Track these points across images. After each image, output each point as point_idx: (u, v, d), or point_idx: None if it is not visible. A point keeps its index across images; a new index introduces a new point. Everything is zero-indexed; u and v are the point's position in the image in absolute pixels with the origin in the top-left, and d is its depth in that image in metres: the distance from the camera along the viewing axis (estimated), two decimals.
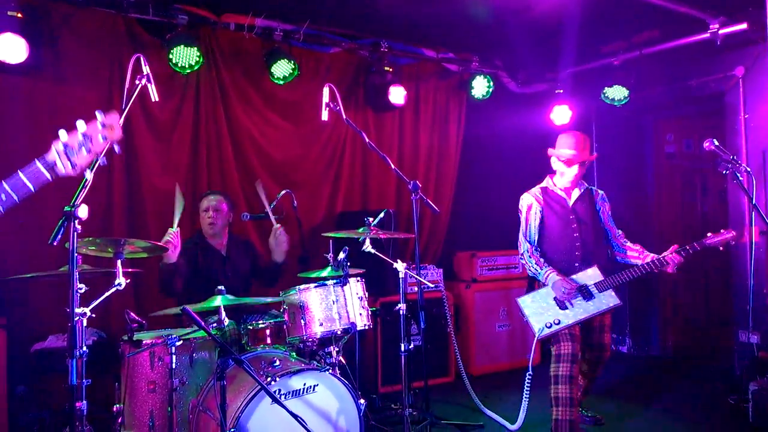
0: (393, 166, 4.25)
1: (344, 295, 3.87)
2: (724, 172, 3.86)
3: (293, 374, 3.38)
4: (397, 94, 5.86)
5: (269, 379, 3.26)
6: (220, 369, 2.96)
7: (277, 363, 3.47)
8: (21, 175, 2.26)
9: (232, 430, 3.07)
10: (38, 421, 4.15)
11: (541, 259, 4.17)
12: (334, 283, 3.86)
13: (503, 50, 6.48)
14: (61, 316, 2.74)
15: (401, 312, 3.99)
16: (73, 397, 2.59)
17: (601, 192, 4.45)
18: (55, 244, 2.44)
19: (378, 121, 6.31)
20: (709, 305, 6.62)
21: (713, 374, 6.01)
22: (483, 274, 6.24)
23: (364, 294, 4.05)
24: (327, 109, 4.15)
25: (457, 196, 6.85)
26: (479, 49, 6.46)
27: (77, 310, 2.64)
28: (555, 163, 4.29)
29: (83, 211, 2.51)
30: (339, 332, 3.83)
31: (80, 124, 2.33)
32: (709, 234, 3.98)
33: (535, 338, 4.07)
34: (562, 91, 6.66)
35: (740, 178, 3.92)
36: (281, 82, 5.38)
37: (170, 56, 4.80)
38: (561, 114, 6.60)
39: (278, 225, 4.56)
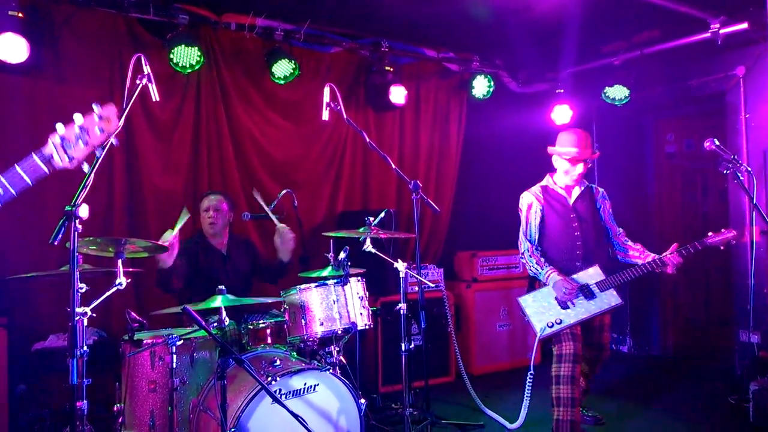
0: (394, 166, 4.25)
1: (345, 295, 3.87)
2: (724, 171, 3.86)
3: (294, 374, 3.39)
4: (397, 94, 5.86)
5: (270, 378, 3.26)
6: (221, 368, 2.96)
7: (278, 362, 3.47)
8: (18, 168, 2.26)
9: (233, 429, 3.08)
10: (38, 420, 4.15)
11: (542, 259, 4.16)
12: (335, 283, 3.86)
13: (504, 50, 6.48)
14: (62, 316, 2.74)
15: (402, 312, 3.99)
16: (73, 396, 2.59)
17: (601, 190, 4.43)
18: (55, 243, 2.44)
19: (379, 120, 6.31)
20: (709, 305, 6.62)
21: (714, 374, 6.01)
22: (483, 273, 6.24)
23: (365, 293, 4.04)
24: (328, 108, 4.15)
25: (458, 195, 6.85)
26: (480, 49, 6.45)
27: (78, 310, 2.64)
28: (557, 161, 4.26)
29: (84, 211, 2.51)
30: (339, 332, 3.83)
31: (77, 117, 2.33)
32: (710, 233, 3.97)
33: (537, 338, 4.05)
34: (562, 90, 6.66)
35: (741, 178, 3.92)
36: (282, 82, 5.38)
37: (171, 56, 4.80)
38: (562, 114, 6.60)
39: (284, 225, 4.56)
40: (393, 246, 5.14)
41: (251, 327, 3.89)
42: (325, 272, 4.10)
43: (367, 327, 3.99)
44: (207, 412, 3.34)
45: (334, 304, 3.81)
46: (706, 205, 6.67)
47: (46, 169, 2.28)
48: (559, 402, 3.94)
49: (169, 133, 5.18)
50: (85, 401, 2.76)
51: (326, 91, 4.15)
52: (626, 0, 5.01)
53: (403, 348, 3.95)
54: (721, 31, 5.29)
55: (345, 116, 4.24)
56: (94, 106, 2.38)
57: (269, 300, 3.89)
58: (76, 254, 2.57)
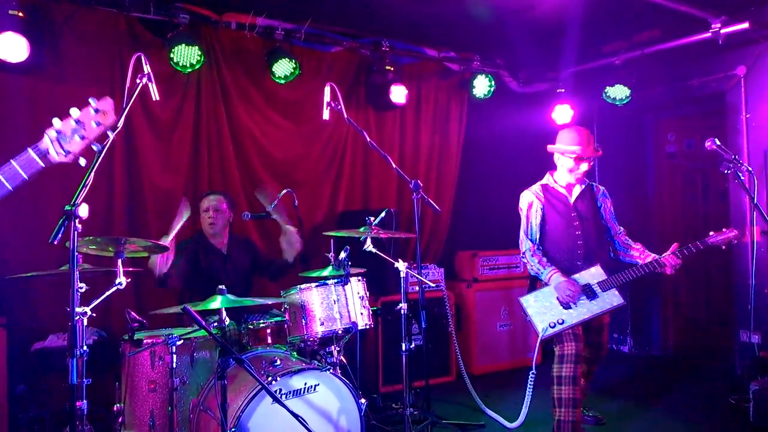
0: (394, 166, 4.25)
1: (345, 295, 3.87)
2: (725, 171, 3.85)
3: (294, 374, 3.38)
4: (398, 94, 5.86)
5: (270, 378, 3.26)
6: (221, 368, 2.96)
7: (278, 362, 3.47)
8: (14, 163, 2.25)
9: (233, 429, 3.07)
10: (38, 420, 4.15)
11: (544, 259, 4.12)
12: (335, 283, 3.86)
13: (505, 49, 6.47)
14: (62, 316, 2.74)
15: (402, 311, 3.98)
16: (73, 396, 2.58)
17: (602, 188, 4.39)
18: (55, 243, 2.43)
19: (379, 120, 6.31)
20: (710, 305, 6.61)
21: (714, 374, 6.01)
22: (484, 273, 6.24)
23: (365, 293, 4.05)
24: (328, 108, 4.14)
25: (459, 195, 6.85)
26: (481, 49, 6.45)
27: (78, 309, 2.63)
28: (561, 160, 4.20)
29: (84, 210, 2.50)
30: (340, 332, 3.83)
31: (73, 111, 2.33)
32: (711, 233, 3.96)
33: (539, 339, 4.01)
34: (563, 90, 6.66)
35: (742, 178, 3.91)
36: (282, 82, 5.37)
37: (171, 55, 4.79)
38: (562, 113, 6.59)
39: (292, 227, 4.55)
40: (393, 246, 5.14)
41: (251, 327, 3.89)
42: (326, 272, 4.10)
43: (367, 327, 4.00)
44: (207, 412, 3.34)
45: (335, 304, 3.81)
46: (706, 205, 6.66)
47: (41, 164, 2.28)
48: (560, 403, 3.93)
49: (169, 133, 5.18)
50: (84, 401, 2.75)
51: (327, 90, 4.13)
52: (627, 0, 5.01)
53: (403, 348, 3.94)
54: (722, 31, 5.29)
55: (345, 116, 4.24)
56: (91, 100, 2.37)
57: (269, 301, 3.87)
58: (76, 254, 2.56)
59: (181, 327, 3.90)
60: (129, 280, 3.09)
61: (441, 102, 6.70)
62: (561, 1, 5.07)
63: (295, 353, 3.80)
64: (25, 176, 2.26)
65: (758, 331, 5.57)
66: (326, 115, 4.16)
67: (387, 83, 5.83)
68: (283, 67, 5.29)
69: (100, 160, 2.62)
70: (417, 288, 4.43)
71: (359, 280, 4.03)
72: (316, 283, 3.86)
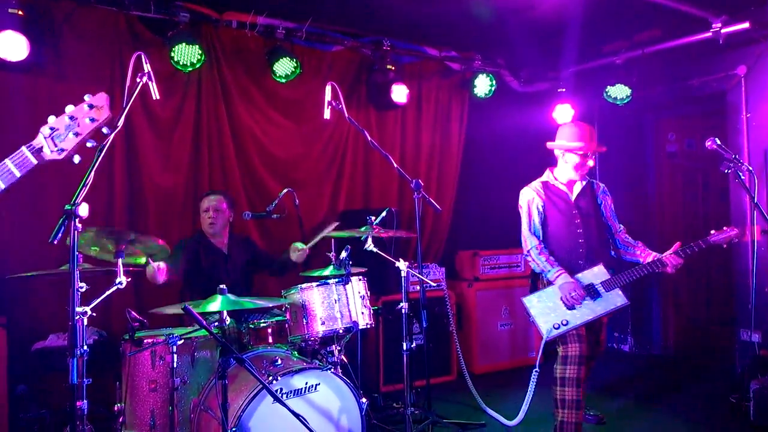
0: (395, 165, 4.24)
1: (346, 294, 3.87)
2: (726, 171, 3.85)
3: (295, 373, 3.38)
4: (399, 93, 5.85)
5: (271, 378, 3.26)
6: (222, 368, 2.95)
7: (279, 362, 3.46)
8: (7, 162, 2.25)
9: (234, 429, 3.07)
10: (39, 420, 4.14)
11: (552, 257, 4.03)
12: (336, 282, 3.86)
13: (505, 49, 6.47)
14: (62, 315, 2.73)
15: (403, 311, 3.98)
16: (73, 396, 2.58)
17: (602, 185, 4.34)
18: (55, 242, 2.43)
19: (380, 119, 6.31)
20: (710, 304, 6.61)
21: (714, 373, 6.01)
22: (485, 273, 6.24)
23: (366, 293, 4.05)
24: (329, 107, 4.14)
25: (459, 194, 6.85)
26: (482, 48, 6.44)
27: (78, 309, 2.62)
28: (566, 156, 4.13)
29: (84, 210, 2.50)
30: (341, 331, 3.83)
31: (68, 107, 2.32)
32: (712, 231, 3.93)
33: (543, 340, 3.97)
34: (564, 89, 6.65)
35: (742, 177, 3.91)
36: (283, 81, 5.36)
37: (172, 54, 4.79)
38: (563, 113, 6.59)
39: (306, 248, 4.48)
40: (394, 245, 5.13)
41: (252, 326, 3.89)
42: (327, 271, 4.11)
43: (368, 326, 4.00)
44: (208, 412, 3.33)
45: (336, 304, 3.81)
46: (707, 204, 6.66)
47: (34, 161, 2.27)
48: (564, 404, 3.89)
49: (169, 132, 5.17)
50: (85, 401, 2.74)
51: (328, 89, 4.13)
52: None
53: (404, 347, 3.94)
54: (723, 31, 5.28)
55: (346, 115, 4.23)
56: (86, 96, 2.37)
57: (270, 304, 3.84)
58: (76, 253, 2.56)
59: (181, 326, 3.89)
60: (129, 279, 3.08)
61: (442, 101, 6.69)
62: (562, 1, 5.07)
63: (296, 353, 3.79)
64: (18, 175, 2.26)
65: (759, 330, 5.57)
66: (327, 114, 4.15)
67: (388, 82, 5.82)
68: (283, 66, 5.28)
69: (100, 159, 2.61)
70: (418, 287, 4.43)
71: (360, 280, 4.03)
72: (317, 283, 3.85)
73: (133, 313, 3.44)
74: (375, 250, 4.05)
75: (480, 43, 6.32)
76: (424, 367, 4.64)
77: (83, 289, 2.66)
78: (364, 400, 3.60)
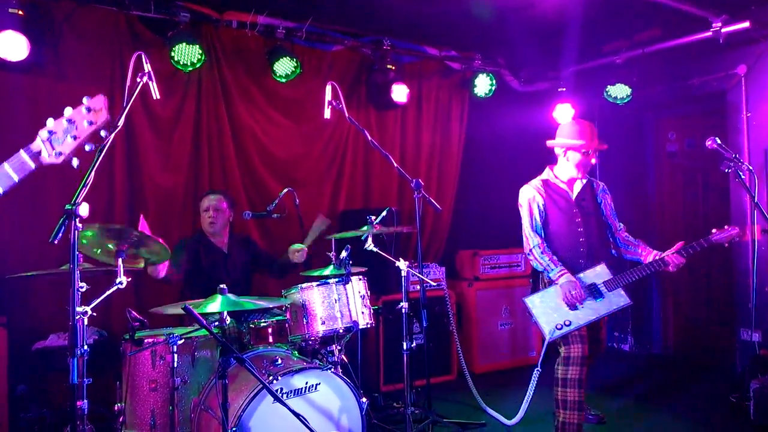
0: (396, 165, 4.24)
1: (346, 294, 3.87)
2: (726, 170, 3.84)
3: (295, 373, 3.38)
4: (399, 92, 5.85)
5: (271, 377, 3.26)
6: (222, 368, 2.95)
7: (279, 362, 3.46)
8: (6, 165, 2.24)
9: (234, 428, 3.07)
10: (39, 420, 4.14)
11: (555, 257, 3.99)
12: (337, 282, 3.86)
13: (506, 48, 6.47)
14: (62, 315, 2.73)
15: (403, 310, 3.97)
16: (74, 396, 2.57)
17: (601, 184, 4.32)
18: (56, 242, 2.43)
19: (380, 119, 6.31)
20: (710, 304, 6.61)
21: (714, 372, 6.01)
22: (485, 272, 6.24)
23: (367, 292, 4.05)
24: (329, 107, 4.13)
25: (460, 194, 6.85)
26: (482, 48, 6.44)
27: (78, 309, 2.62)
28: (568, 154, 4.11)
29: (84, 210, 2.49)
30: (341, 331, 3.83)
31: (66, 110, 2.32)
32: (714, 230, 3.92)
33: (546, 341, 3.94)
34: (564, 89, 6.64)
35: (742, 177, 3.90)
36: (283, 80, 5.36)
37: (172, 54, 4.79)
38: (563, 112, 6.58)
39: (304, 247, 4.52)
40: (395, 245, 5.13)
41: (252, 326, 3.88)
42: (327, 271, 4.11)
43: (368, 326, 4.00)
44: (208, 411, 3.33)
45: (336, 303, 3.81)
46: (707, 204, 6.65)
47: (33, 165, 2.27)
48: (566, 405, 3.88)
49: (169, 132, 5.17)
50: (85, 401, 2.74)
51: (328, 89, 4.13)
52: None
53: (404, 347, 3.94)
54: (723, 30, 5.28)
55: (347, 114, 4.22)
56: (84, 99, 2.36)
57: (270, 304, 3.84)
58: (77, 253, 2.56)
59: (181, 326, 3.89)
60: (129, 279, 3.08)
61: (442, 101, 6.69)
62: (562, 0, 5.07)
63: (296, 352, 3.79)
64: (15, 178, 2.25)
65: (759, 330, 5.58)
66: (327, 114, 4.15)
67: (388, 82, 5.82)
68: (284, 66, 5.28)
69: (100, 159, 2.61)
70: (418, 287, 4.43)
71: (360, 279, 4.03)
72: (318, 282, 3.85)
73: (133, 312, 3.43)
74: (375, 249, 4.05)
75: (480, 42, 6.31)
76: (424, 366, 4.64)
77: (83, 289, 2.66)
78: (364, 399, 3.60)
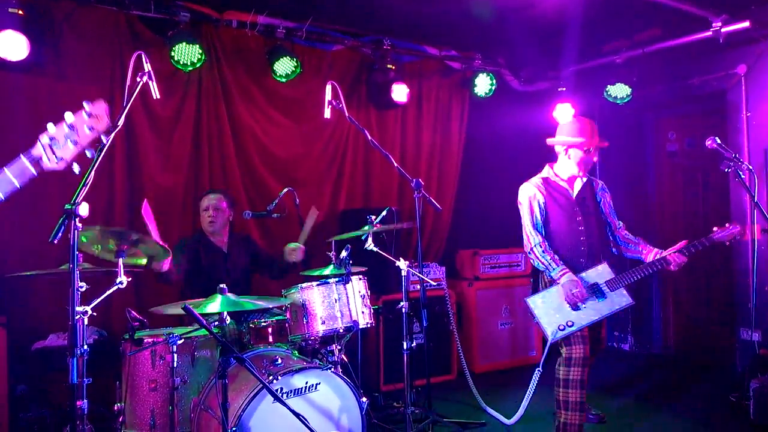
0: (396, 164, 4.23)
1: (346, 294, 3.86)
2: (726, 170, 3.84)
3: (295, 372, 3.38)
4: (399, 92, 5.85)
5: (271, 377, 3.25)
6: (222, 367, 2.95)
7: (279, 361, 3.46)
8: (6, 171, 2.24)
9: (234, 428, 3.06)
10: (39, 420, 4.14)
11: (556, 256, 3.95)
12: (337, 282, 3.86)
13: (506, 48, 6.47)
14: (62, 315, 2.73)
15: (403, 310, 3.97)
16: (73, 395, 2.57)
17: (600, 182, 4.30)
18: (55, 242, 2.43)
19: (380, 118, 6.30)
20: (710, 303, 6.61)
21: (714, 372, 6.01)
22: (485, 272, 6.24)
23: (367, 292, 4.04)
24: (329, 106, 4.13)
25: (460, 194, 6.85)
26: (482, 47, 6.44)
27: (78, 309, 2.62)
28: (569, 152, 4.08)
29: (84, 209, 2.49)
30: (341, 330, 3.82)
31: (67, 116, 2.31)
32: (715, 228, 3.91)
33: (549, 342, 3.92)
34: (564, 89, 6.64)
35: (742, 176, 3.90)
36: (284, 80, 5.36)
37: (172, 53, 4.79)
38: (563, 112, 6.57)
39: (300, 245, 4.53)
40: (395, 244, 5.13)
41: (252, 326, 3.88)
42: (327, 271, 4.11)
43: (368, 325, 3.99)
44: (208, 411, 3.33)
45: (336, 303, 3.81)
46: (707, 203, 6.65)
47: (33, 171, 2.26)
48: (567, 406, 3.87)
49: (170, 131, 5.17)
50: (85, 400, 2.74)
51: (328, 88, 4.13)
52: None
53: (404, 346, 3.94)
54: (723, 30, 5.28)
55: (347, 114, 4.22)
56: (84, 104, 2.36)
57: (270, 304, 3.83)
58: (77, 253, 2.56)
59: (181, 326, 3.89)
60: (129, 279, 3.08)
61: (442, 100, 6.69)
62: (562, 0, 5.06)
63: (296, 352, 3.78)
64: (17, 184, 2.25)
65: (759, 329, 5.58)
66: (327, 113, 4.15)
67: (388, 82, 5.82)
68: (284, 66, 5.28)
69: (100, 158, 2.61)
70: (418, 286, 4.43)
71: (360, 279, 4.03)
72: (318, 282, 3.85)
73: (133, 312, 3.43)
74: (375, 249, 4.05)
75: (480, 42, 6.31)
76: (424, 366, 4.64)
77: (83, 289, 2.66)
78: (364, 399, 3.59)
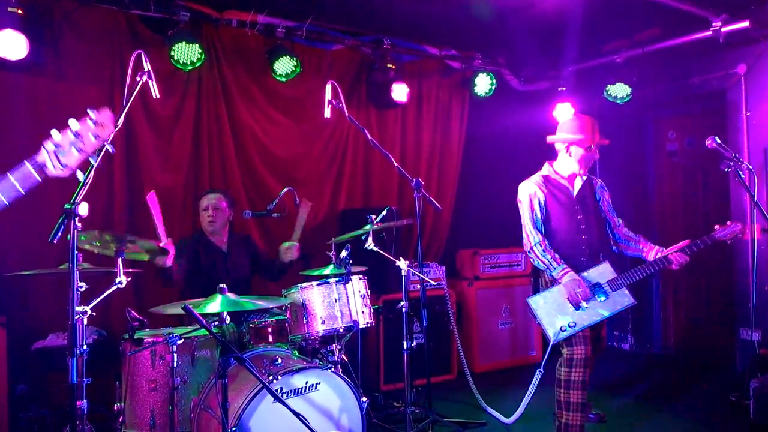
0: (396, 164, 4.22)
1: (346, 293, 3.86)
2: (726, 169, 3.82)
3: (295, 372, 3.38)
4: (399, 92, 5.84)
5: (271, 377, 3.25)
6: (222, 367, 2.94)
7: (279, 361, 3.46)
8: (11, 177, 2.23)
9: (234, 428, 3.06)
10: (39, 420, 4.14)
11: (557, 255, 3.91)
12: (337, 281, 3.86)
13: (506, 48, 6.46)
14: (62, 315, 2.73)
15: (404, 310, 3.96)
16: (73, 395, 2.57)
17: (599, 180, 4.28)
18: (55, 242, 2.42)
19: (380, 118, 6.30)
20: (710, 303, 6.61)
21: (715, 371, 6.01)
22: (485, 271, 6.23)
23: (367, 292, 4.04)
24: (329, 106, 4.12)
25: (460, 193, 6.84)
26: (482, 47, 6.44)
27: (78, 309, 2.62)
28: (570, 149, 4.05)
29: (83, 209, 2.49)
30: (341, 330, 3.82)
31: (72, 123, 2.30)
32: (716, 227, 3.89)
33: (551, 343, 3.88)
34: (564, 88, 6.64)
35: (742, 176, 3.89)
36: (283, 79, 5.36)
37: (172, 53, 4.79)
38: (563, 111, 6.57)
39: (296, 243, 4.54)
40: (395, 244, 5.12)
41: (252, 325, 3.88)
42: (327, 270, 4.11)
43: (368, 325, 3.99)
44: (208, 411, 3.33)
45: (336, 303, 3.81)
46: (706, 203, 6.65)
47: (38, 177, 2.26)
48: (569, 407, 3.85)
49: (169, 131, 5.17)
50: (85, 400, 2.74)
51: (328, 88, 4.12)
52: None
53: (405, 346, 3.93)
54: (723, 30, 5.27)
55: (347, 114, 4.21)
56: (89, 111, 2.35)
57: (270, 304, 3.83)
58: (76, 252, 2.55)
59: (181, 326, 3.89)
60: (129, 279, 3.07)
61: (442, 100, 6.69)
62: (562, 0, 5.06)
63: (296, 352, 3.78)
64: (21, 191, 2.24)
65: (759, 329, 5.58)
66: (327, 113, 4.14)
67: (388, 81, 5.82)
68: (284, 65, 5.28)
69: (100, 158, 2.60)
70: (418, 286, 4.42)
71: (360, 279, 4.02)
72: (318, 282, 3.85)
73: (133, 312, 3.43)
74: (375, 249, 4.05)
75: (480, 42, 6.31)
76: (424, 365, 4.64)
77: (83, 289, 2.66)
78: (364, 399, 3.59)
